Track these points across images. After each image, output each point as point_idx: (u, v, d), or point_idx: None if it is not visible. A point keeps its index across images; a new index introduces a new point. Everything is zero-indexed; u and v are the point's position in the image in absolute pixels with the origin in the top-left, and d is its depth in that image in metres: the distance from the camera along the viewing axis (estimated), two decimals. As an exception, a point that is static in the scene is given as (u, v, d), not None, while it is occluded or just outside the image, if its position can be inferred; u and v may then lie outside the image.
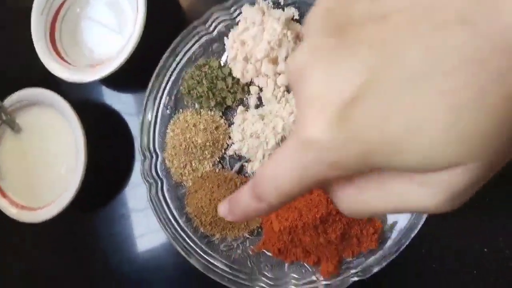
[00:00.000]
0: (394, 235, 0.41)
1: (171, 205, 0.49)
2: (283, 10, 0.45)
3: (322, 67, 0.16)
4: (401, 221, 0.41)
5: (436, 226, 0.41)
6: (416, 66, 0.14)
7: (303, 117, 0.16)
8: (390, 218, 0.42)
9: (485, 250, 0.39)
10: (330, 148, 0.15)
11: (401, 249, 0.39)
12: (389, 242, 0.41)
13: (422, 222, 0.39)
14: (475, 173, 0.14)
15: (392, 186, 0.16)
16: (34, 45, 0.53)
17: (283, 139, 0.43)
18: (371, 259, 0.41)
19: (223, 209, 0.22)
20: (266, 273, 0.46)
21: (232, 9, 0.47)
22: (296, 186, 0.17)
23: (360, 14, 0.16)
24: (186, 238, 0.48)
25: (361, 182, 0.17)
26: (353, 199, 0.18)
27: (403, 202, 0.16)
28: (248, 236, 0.47)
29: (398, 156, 0.15)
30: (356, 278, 0.41)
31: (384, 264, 0.40)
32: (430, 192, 0.15)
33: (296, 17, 0.45)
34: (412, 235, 0.39)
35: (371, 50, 0.15)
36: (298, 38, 0.45)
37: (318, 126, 0.15)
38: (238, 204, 0.21)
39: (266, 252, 0.46)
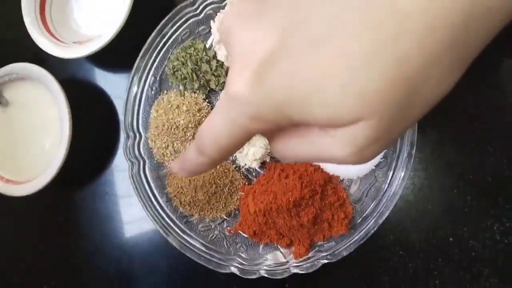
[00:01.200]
0: (363, 221, 0.42)
1: (152, 185, 0.50)
2: (269, -4, 0.46)
3: (244, 29, 0.18)
4: (370, 208, 0.42)
5: (404, 214, 0.42)
6: (320, 29, 0.15)
7: (230, 74, 0.18)
8: (359, 206, 0.43)
9: (450, 239, 0.40)
10: (250, 103, 0.17)
11: (370, 235, 0.41)
12: (359, 228, 0.42)
13: (390, 210, 0.40)
14: (375, 128, 0.16)
15: (311, 137, 0.18)
16: (24, 19, 0.53)
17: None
18: (341, 243, 0.42)
19: (174, 165, 0.24)
20: (241, 254, 0.47)
21: (220, -8, 0.47)
22: (229, 138, 0.19)
23: None
24: (165, 217, 0.49)
25: (289, 133, 0.19)
26: (283, 147, 0.20)
27: (319, 151, 0.18)
28: (225, 217, 0.49)
29: (307, 110, 0.16)
30: (325, 261, 0.42)
31: (353, 248, 0.41)
32: (339, 144, 0.17)
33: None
34: (380, 221, 0.41)
35: (284, 13, 0.17)
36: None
37: (239, 83, 0.17)
38: (186, 159, 0.23)
39: (242, 234, 0.47)
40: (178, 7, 0.48)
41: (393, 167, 0.41)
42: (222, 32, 0.20)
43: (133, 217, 0.55)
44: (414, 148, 0.40)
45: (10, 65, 0.54)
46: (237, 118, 0.18)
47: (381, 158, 0.43)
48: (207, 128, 0.20)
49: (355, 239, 0.42)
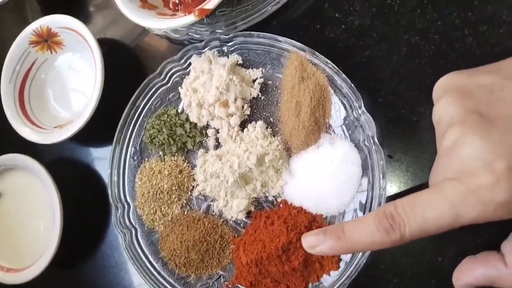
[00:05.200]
0: (352, 255, 0.43)
1: (146, 251, 0.51)
2: (228, 57, 0.49)
3: (478, 137, 0.26)
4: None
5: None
6: None
7: (467, 170, 0.25)
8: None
9: (439, 259, 0.41)
10: (501, 197, 0.24)
11: (360, 267, 0.41)
12: (349, 262, 0.43)
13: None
14: None
15: (493, 261, 0.30)
16: (5, 112, 0.56)
17: (240, 176, 0.46)
18: (336, 281, 0.43)
19: (325, 241, 0.32)
20: (241, 307, 0.47)
21: (183, 60, 0.50)
22: (445, 223, 0.26)
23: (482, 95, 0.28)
24: (164, 282, 0.50)
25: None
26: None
27: (495, 276, 0.29)
28: (221, 272, 0.49)
29: None
30: (322, 301, 0.42)
31: (348, 283, 0.42)
32: None
33: (240, 62, 0.49)
34: (369, 252, 0.42)
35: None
36: (243, 81, 0.48)
37: (486, 178, 0.24)
38: (355, 234, 0.28)
39: (240, 287, 0.48)
40: (147, 79, 0.51)
41: (369, 199, 0.43)
42: (447, 139, 0.28)
43: (134, 285, 0.55)
44: (385, 178, 0.42)
45: (-2, 157, 0.56)
46: (472, 207, 0.24)
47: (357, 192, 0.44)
48: (419, 211, 0.26)
49: (347, 273, 0.43)
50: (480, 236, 0.39)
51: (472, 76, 0.31)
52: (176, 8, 0.48)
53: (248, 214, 0.49)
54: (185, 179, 0.51)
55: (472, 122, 0.27)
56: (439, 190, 0.26)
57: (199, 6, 0.43)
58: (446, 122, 0.29)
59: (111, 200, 0.52)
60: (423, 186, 0.41)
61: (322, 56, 0.44)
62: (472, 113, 0.27)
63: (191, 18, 0.43)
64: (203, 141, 0.51)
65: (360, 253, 0.43)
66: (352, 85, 0.43)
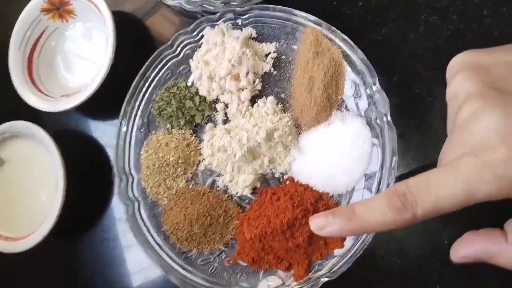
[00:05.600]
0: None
1: (148, 224, 0.51)
2: (241, 30, 0.48)
3: (496, 111, 0.25)
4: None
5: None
6: None
7: (483, 144, 0.25)
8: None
9: (445, 242, 0.40)
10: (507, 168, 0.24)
11: (365, 246, 0.41)
12: (354, 241, 0.42)
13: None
14: None
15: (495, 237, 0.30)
16: (12, 79, 0.55)
17: (248, 150, 0.45)
18: (339, 260, 0.42)
19: (333, 221, 0.30)
20: (242, 284, 0.47)
21: (195, 32, 0.50)
22: (455, 200, 0.25)
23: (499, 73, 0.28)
24: (165, 256, 0.49)
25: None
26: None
27: (496, 252, 0.30)
28: (223, 248, 0.49)
29: None
30: (326, 279, 0.42)
31: (351, 263, 0.41)
32: None
33: (254, 35, 0.48)
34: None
35: None
36: (256, 55, 0.48)
37: (502, 152, 0.24)
38: (365, 214, 0.28)
39: (241, 263, 0.47)
40: (158, 50, 0.51)
41: (378, 178, 0.42)
42: (463, 113, 0.28)
43: (133, 259, 0.55)
44: (396, 156, 0.41)
45: (2, 124, 0.56)
46: (487, 181, 0.24)
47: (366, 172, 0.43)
48: (435, 187, 0.25)
49: (351, 253, 0.42)
50: (490, 218, 0.38)
51: (489, 54, 0.30)
52: (192, -23, 0.48)
53: (254, 190, 0.48)
54: (192, 153, 0.50)
55: (490, 97, 0.27)
56: (453, 166, 0.25)
57: (216, -25, 0.43)
58: (462, 97, 0.28)
59: (115, 171, 0.51)
60: (434, 165, 0.41)
61: (338, 31, 0.43)
62: (490, 88, 0.27)
63: (207, -14, 0.43)
64: (212, 116, 0.51)
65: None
66: (368, 61, 0.42)
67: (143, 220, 0.51)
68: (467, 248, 0.31)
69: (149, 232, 0.50)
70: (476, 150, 0.25)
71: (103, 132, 0.58)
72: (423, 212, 0.25)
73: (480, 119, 0.26)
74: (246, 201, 0.49)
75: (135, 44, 0.57)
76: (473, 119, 0.26)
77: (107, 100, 0.54)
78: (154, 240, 0.50)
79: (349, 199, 0.45)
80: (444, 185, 0.25)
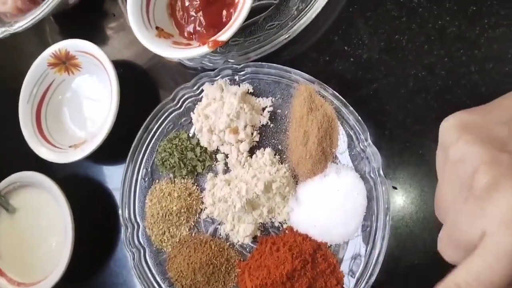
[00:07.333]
0: (353, 283, 0.44)
1: (154, 271, 0.53)
2: (239, 85, 0.50)
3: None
4: (360, 270, 0.44)
5: (391, 274, 0.44)
6: None
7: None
8: (350, 270, 0.45)
9: None
10: None
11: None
12: (352, 292, 0.43)
13: (378, 270, 0.42)
14: None
15: None
16: (22, 131, 0.58)
17: (247, 201, 0.47)
18: (338, 310, 0.44)
19: None
20: (245, 331, 0.48)
21: (195, 87, 0.52)
22: (509, 276, 0.25)
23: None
24: (170, 302, 0.51)
25: None
26: None
27: None
28: (226, 295, 0.50)
29: None
30: (325, 330, 0.43)
31: (350, 313, 0.43)
32: None
33: (251, 90, 0.50)
34: (371, 282, 0.42)
35: None
36: (253, 109, 0.50)
37: None
38: None
39: (244, 310, 0.49)
40: (161, 104, 0.53)
41: (374, 228, 0.44)
42: (480, 187, 0.27)
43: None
44: (390, 208, 0.42)
45: (14, 174, 0.58)
46: None
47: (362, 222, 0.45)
48: (480, 279, 0.25)
49: (351, 303, 0.44)
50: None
51: (484, 113, 0.31)
52: (191, 37, 0.50)
53: (254, 238, 0.50)
54: (194, 202, 0.52)
55: (504, 161, 0.27)
56: (491, 247, 0.25)
57: (213, 38, 0.45)
58: (473, 164, 0.28)
59: (121, 220, 0.53)
60: (427, 217, 0.42)
61: (330, 88, 0.45)
62: (501, 152, 0.27)
63: (205, 49, 0.45)
64: (213, 165, 0.53)
65: (363, 284, 0.43)
66: (359, 117, 0.44)
67: (149, 267, 0.53)
68: None
69: (155, 278, 0.52)
70: (507, 222, 0.25)
71: (110, 179, 0.60)
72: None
73: (501, 188, 0.26)
74: (247, 249, 0.50)
75: (138, 94, 0.60)
76: (494, 188, 0.26)
77: (113, 150, 0.56)
78: (160, 286, 0.52)
79: (346, 249, 0.46)
80: (493, 271, 0.25)
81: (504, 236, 0.25)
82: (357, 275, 0.44)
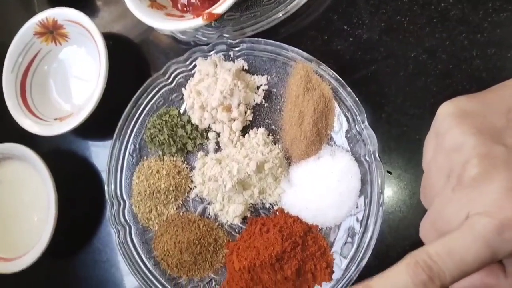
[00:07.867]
0: (345, 267, 0.43)
1: (139, 249, 0.51)
2: (233, 62, 0.49)
3: (508, 171, 0.25)
4: (351, 254, 0.43)
5: (383, 259, 0.43)
6: None
7: (497, 204, 0.25)
8: (340, 253, 0.44)
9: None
10: None
11: (353, 281, 0.42)
12: (342, 275, 0.43)
13: (369, 253, 0.42)
14: None
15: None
16: (6, 102, 0.56)
17: (238, 181, 0.46)
18: (326, 293, 0.43)
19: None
20: (231, 312, 0.47)
21: (188, 62, 0.50)
22: (476, 261, 0.24)
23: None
24: (155, 281, 0.50)
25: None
26: None
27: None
28: (213, 276, 0.49)
29: None
30: (313, 313, 0.42)
31: (338, 296, 0.42)
32: None
33: (246, 67, 0.49)
34: (362, 266, 0.42)
35: None
36: (248, 87, 0.48)
37: None
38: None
39: (231, 291, 0.48)
40: (150, 78, 0.51)
41: (366, 214, 0.43)
42: (467, 178, 0.27)
43: (124, 282, 0.55)
44: (383, 194, 0.42)
45: (-4, 146, 0.56)
46: (499, 240, 0.24)
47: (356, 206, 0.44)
48: (455, 252, 0.25)
49: (340, 286, 0.43)
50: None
51: (483, 100, 0.30)
52: (185, 9, 0.48)
53: (244, 219, 0.49)
54: (183, 180, 0.51)
55: (498, 155, 0.27)
56: (471, 228, 0.25)
57: (208, 10, 0.43)
58: (466, 153, 0.28)
59: (107, 196, 0.52)
60: (421, 204, 0.41)
61: (328, 68, 0.44)
62: (496, 144, 0.27)
63: (199, 21, 0.43)
64: (204, 144, 0.51)
65: (353, 267, 0.43)
66: (357, 99, 0.43)
67: (134, 245, 0.51)
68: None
69: (140, 257, 0.51)
70: (492, 210, 0.25)
71: (96, 155, 0.58)
72: (452, 280, 0.25)
73: (491, 179, 0.26)
74: (236, 229, 0.49)
75: (128, 68, 0.58)
76: (483, 180, 0.26)
77: (100, 124, 0.55)
78: (145, 265, 0.51)
79: (338, 232, 0.45)
80: (467, 250, 0.25)
81: (485, 221, 0.25)
82: (348, 258, 0.43)
